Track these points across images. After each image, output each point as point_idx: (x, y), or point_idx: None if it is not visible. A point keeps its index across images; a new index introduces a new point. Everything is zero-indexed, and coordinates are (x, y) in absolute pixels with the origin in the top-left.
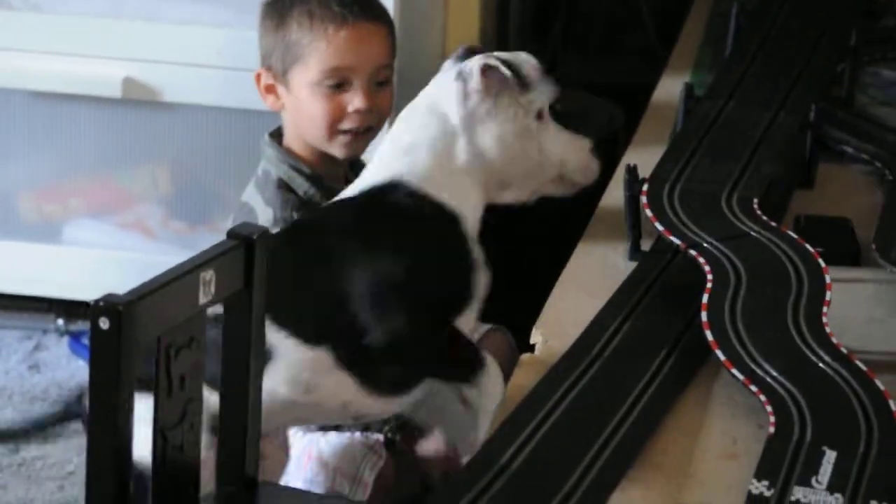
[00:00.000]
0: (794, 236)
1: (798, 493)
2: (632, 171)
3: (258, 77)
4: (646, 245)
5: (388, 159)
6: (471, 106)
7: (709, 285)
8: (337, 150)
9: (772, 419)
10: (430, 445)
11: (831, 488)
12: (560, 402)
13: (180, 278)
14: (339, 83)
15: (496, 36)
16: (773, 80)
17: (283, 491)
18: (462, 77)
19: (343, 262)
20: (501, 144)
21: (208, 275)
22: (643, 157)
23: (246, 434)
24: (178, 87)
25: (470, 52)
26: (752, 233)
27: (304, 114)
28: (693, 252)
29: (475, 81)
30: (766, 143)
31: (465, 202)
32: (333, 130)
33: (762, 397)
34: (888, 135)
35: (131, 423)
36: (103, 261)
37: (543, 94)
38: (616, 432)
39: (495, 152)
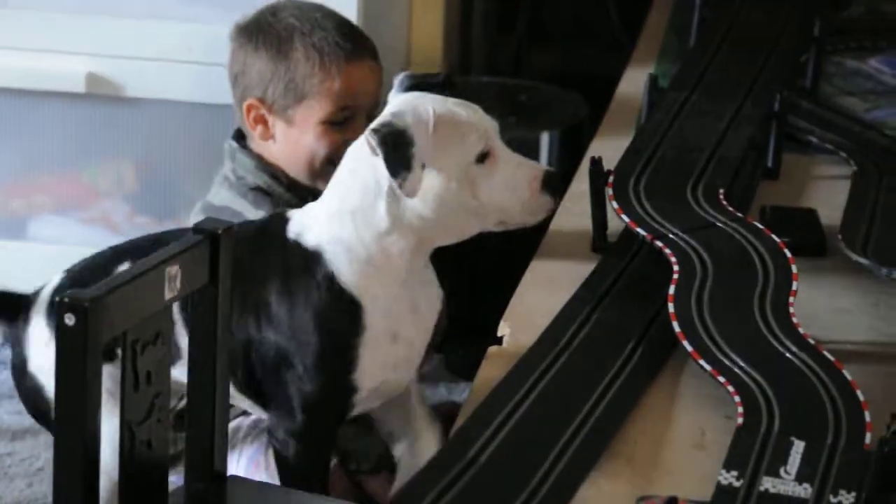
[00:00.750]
0: (761, 227)
1: (767, 483)
2: (597, 163)
3: (248, 108)
4: (612, 237)
5: (323, 213)
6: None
7: (675, 276)
8: (322, 184)
9: (740, 410)
10: (380, 481)
11: (800, 478)
12: (528, 394)
13: (146, 274)
14: (344, 119)
15: (461, 29)
16: (738, 71)
17: (251, 485)
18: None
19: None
20: (434, 203)
21: (174, 270)
22: (608, 149)
23: (214, 429)
24: (142, 82)
25: (413, 80)
26: (719, 223)
27: (302, 149)
28: (659, 243)
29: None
30: (731, 133)
31: (386, 278)
32: (326, 165)
33: (730, 388)
34: (853, 125)
35: (98, 419)
36: (68, 256)
37: (482, 136)
38: (584, 424)
39: (425, 211)
